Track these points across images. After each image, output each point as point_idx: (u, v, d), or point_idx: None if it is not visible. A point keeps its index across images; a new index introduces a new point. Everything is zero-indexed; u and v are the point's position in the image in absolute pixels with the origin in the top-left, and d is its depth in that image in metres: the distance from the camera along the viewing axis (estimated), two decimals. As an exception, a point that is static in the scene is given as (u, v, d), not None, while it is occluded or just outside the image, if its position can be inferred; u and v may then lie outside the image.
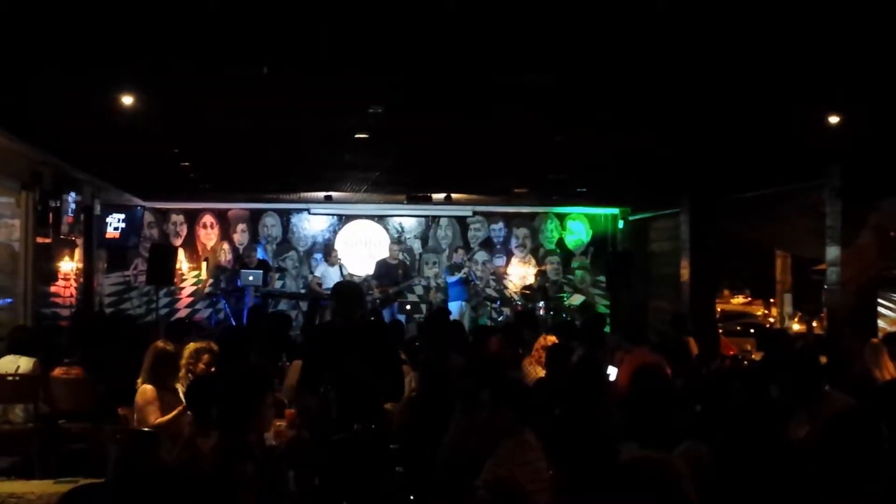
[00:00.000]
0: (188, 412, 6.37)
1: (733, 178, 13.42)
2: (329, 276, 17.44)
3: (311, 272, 18.41)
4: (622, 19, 5.92)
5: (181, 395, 7.01)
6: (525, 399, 5.15)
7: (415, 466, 5.52)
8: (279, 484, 4.57)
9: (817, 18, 5.88)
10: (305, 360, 7.45)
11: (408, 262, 18.75)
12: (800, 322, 17.64)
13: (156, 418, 6.76)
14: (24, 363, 8.89)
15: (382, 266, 17.72)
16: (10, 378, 8.79)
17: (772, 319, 19.62)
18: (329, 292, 17.05)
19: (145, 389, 6.94)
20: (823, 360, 7.49)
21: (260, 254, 18.36)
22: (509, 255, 19.73)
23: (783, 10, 5.72)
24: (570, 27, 6.13)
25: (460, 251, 18.43)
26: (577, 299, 18.71)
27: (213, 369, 7.37)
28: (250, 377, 5.87)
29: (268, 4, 5.65)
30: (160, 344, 7.35)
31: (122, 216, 16.51)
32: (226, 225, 19.00)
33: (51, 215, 12.63)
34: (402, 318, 16.36)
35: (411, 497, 4.77)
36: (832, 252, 11.43)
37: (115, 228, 16.36)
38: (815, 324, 16.41)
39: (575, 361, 7.59)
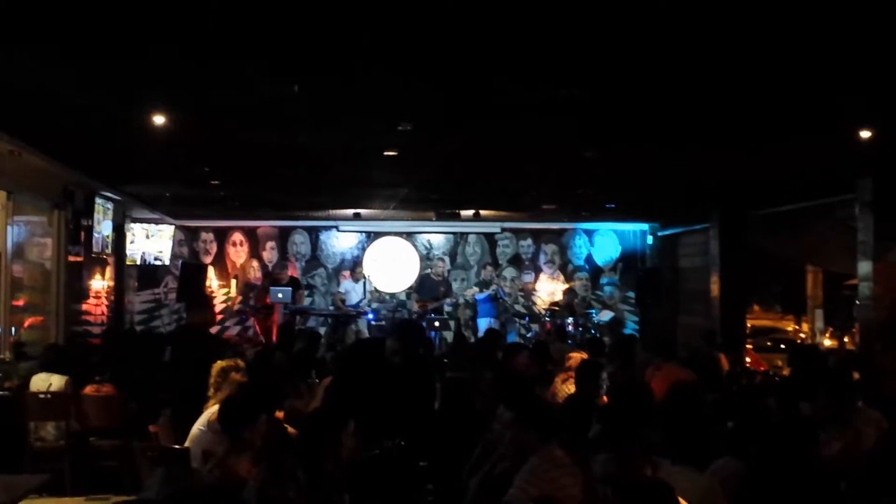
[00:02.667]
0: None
1: (764, 192, 13.34)
2: (353, 292, 17.50)
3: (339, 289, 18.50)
4: (654, 34, 5.91)
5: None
6: (549, 416, 5.14)
7: (443, 484, 5.51)
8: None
9: (850, 32, 5.85)
10: (343, 387, 7.25)
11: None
12: (831, 338, 17.52)
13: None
14: (55, 381, 8.97)
15: (426, 279, 17.78)
16: (42, 396, 8.86)
17: (803, 335, 19.48)
18: (352, 310, 17.23)
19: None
20: (856, 375, 7.43)
21: (293, 271, 18.43)
22: (538, 271, 19.69)
23: (816, 25, 5.69)
24: (602, 42, 6.12)
25: (489, 268, 18.41)
26: (605, 315, 18.65)
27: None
28: (253, 394, 5.89)
29: (298, 23, 5.68)
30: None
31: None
32: (255, 242, 19.10)
33: (82, 234, 12.73)
34: (431, 334, 16.35)
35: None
36: (864, 267, 11.33)
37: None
38: (846, 339, 16.28)
39: (607, 379, 7.56)
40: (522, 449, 4.84)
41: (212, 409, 6.38)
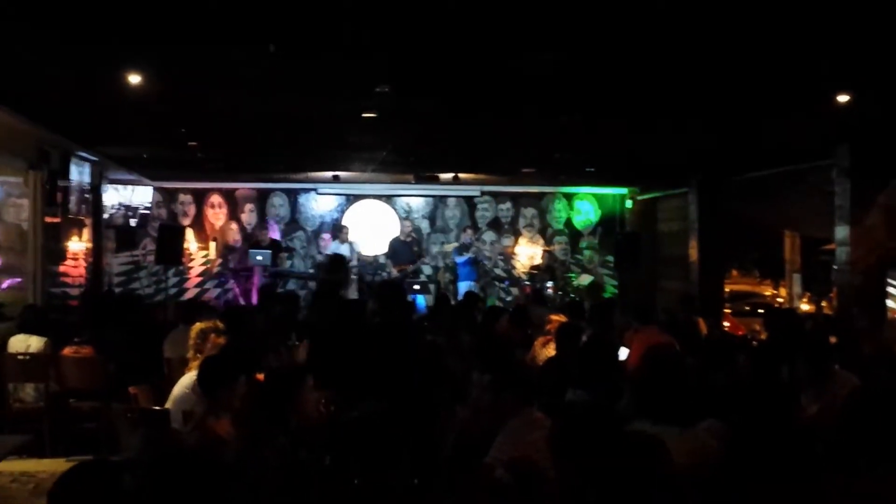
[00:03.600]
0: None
1: (742, 157, 13.38)
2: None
3: (320, 252, 18.45)
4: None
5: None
6: (528, 380, 5.16)
7: (419, 447, 5.53)
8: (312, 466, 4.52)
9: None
10: (323, 345, 7.28)
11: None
12: (809, 302, 17.62)
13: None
14: (34, 342, 8.95)
15: (397, 244, 17.73)
16: (21, 357, 8.84)
17: (780, 300, 19.59)
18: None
19: None
20: (833, 340, 7.50)
21: (274, 233, 18.38)
22: (517, 235, 19.73)
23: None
24: (581, 7, 6.10)
25: (469, 231, 18.43)
26: (585, 279, 18.72)
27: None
28: (232, 356, 5.89)
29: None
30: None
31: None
32: (234, 205, 19.03)
33: (59, 195, 12.64)
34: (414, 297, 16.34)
35: (418, 478, 4.77)
36: (841, 232, 11.40)
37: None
38: (823, 304, 16.39)
39: (584, 341, 7.58)
40: (501, 412, 4.85)
41: (193, 371, 6.37)
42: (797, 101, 9.15)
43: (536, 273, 17.91)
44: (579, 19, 6.37)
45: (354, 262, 17.53)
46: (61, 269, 13.61)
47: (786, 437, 3.63)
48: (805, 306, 17.30)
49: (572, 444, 3.61)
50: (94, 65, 7.91)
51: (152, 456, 3.48)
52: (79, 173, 13.47)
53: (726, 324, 14.89)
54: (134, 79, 8.19)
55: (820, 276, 16.76)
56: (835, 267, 11.92)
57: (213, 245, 18.82)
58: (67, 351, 9.09)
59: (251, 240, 18.18)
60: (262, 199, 19.08)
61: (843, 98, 8.78)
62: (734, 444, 3.84)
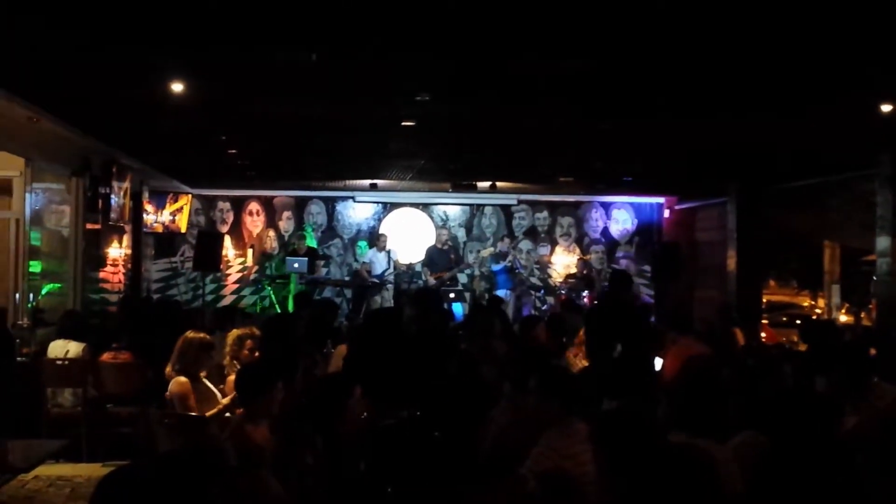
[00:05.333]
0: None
1: (782, 166, 13.27)
2: (378, 263, 17.48)
3: (356, 259, 18.50)
4: (673, 3, 5.86)
5: (209, 385, 7.02)
6: (573, 388, 5.10)
7: (456, 454, 5.51)
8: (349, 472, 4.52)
9: (872, 5, 5.79)
10: (361, 354, 7.23)
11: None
12: (847, 313, 17.45)
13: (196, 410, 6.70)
14: (73, 348, 9.03)
15: (434, 252, 17.73)
16: (60, 362, 8.92)
17: (819, 310, 19.42)
18: (376, 279, 17.21)
19: (180, 381, 6.79)
20: (872, 351, 7.40)
21: (311, 241, 18.44)
22: (554, 243, 19.66)
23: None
24: (615, 12, 6.08)
25: (506, 240, 18.38)
26: (621, 289, 18.58)
27: (256, 354, 7.40)
28: (270, 362, 5.90)
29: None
30: (191, 334, 7.17)
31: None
32: (271, 212, 19.12)
33: (100, 201, 12.76)
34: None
35: (455, 485, 4.75)
36: (883, 242, 11.28)
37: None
38: (863, 315, 16.22)
39: (620, 351, 7.53)
40: (543, 419, 4.80)
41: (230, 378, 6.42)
42: (840, 110, 9.07)
43: (573, 282, 17.82)
44: (619, 24, 6.35)
45: (391, 270, 17.56)
46: (101, 275, 13.75)
47: (825, 450, 3.57)
48: (844, 317, 17.12)
49: (618, 455, 3.57)
50: (138, 73, 7.98)
51: (186, 455, 3.48)
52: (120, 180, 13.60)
53: (763, 335, 14.77)
54: (176, 86, 8.27)
55: (860, 287, 16.61)
56: (875, 278, 11.79)
57: (250, 252, 18.92)
58: (106, 356, 9.15)
59: (288, 247, 18.24)
60: (299, 206, 19.16)
61: (886, 107, 8.70)
62: (772, 456, 3.79)
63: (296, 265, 16.69)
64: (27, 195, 10.89)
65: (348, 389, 5.12)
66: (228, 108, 9.64)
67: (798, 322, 16.58)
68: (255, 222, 19.08)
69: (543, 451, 4.58)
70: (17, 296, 10.86)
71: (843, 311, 17.94)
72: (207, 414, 6.65)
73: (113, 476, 2.88)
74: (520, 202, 19.49)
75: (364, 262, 17.73)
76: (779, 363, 6.97)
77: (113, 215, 13.35)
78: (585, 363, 8.02)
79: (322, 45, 6.88)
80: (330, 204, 19.20)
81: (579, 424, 4.70)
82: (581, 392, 5.19)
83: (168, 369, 7.08)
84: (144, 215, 16.54)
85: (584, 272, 17.77)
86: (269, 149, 13.01)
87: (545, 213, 19.65)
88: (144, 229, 16.64)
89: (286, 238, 18.93)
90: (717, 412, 4.44)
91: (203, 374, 7.05)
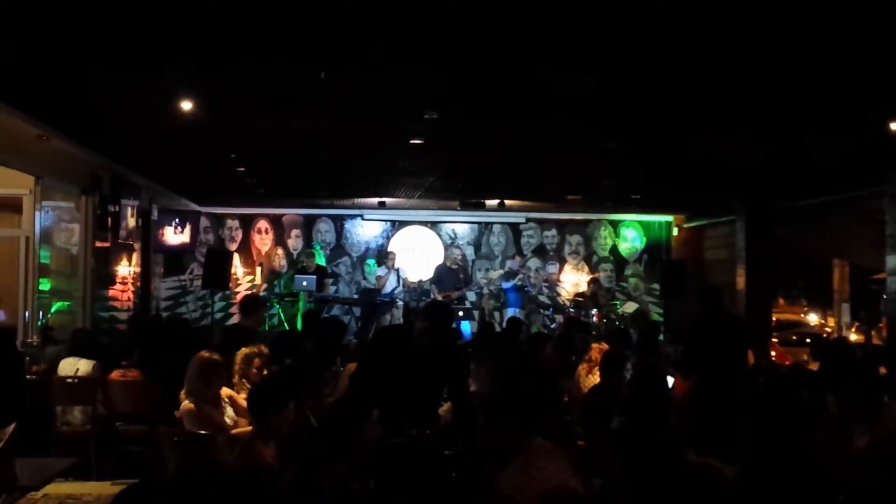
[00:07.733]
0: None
1: (791, 185, 13.25)
2: (387, 281, 17.47)
3: (365, 277, 18.51)
4: (681, 22, 5.88)
5: (223, 403, 7.00)
6: (526, 405, 4.91)
7: (468, 472, 5.48)
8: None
9: (881, 24, 5.80)
10: (371, 371, 7.18)
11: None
12: (857, 332, 17.36)
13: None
14: (83, 365, 9.02)
15: (442, 271, 17.74)
16: (70, 380, 8.92)
17: (828, 329, 19.34)
18: (385, 298, 17.20)
19: (188, 408, 6.72)
20: (883, 370, 7.37)
21: (320, 259, 18.45)
22: (562, 262, 19.66)
23: (846, 16, 5.65)
24: (622, 30, 6.10)
25: (517, 258, 18.38)
26: (630, 307, 18.57)
27: (265, 372, 7.39)
28: (281, 381, 5.88)
29: (325, 8, 5.68)
30: (205, 354, 7.07)
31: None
32: (280, 230, 19.16)
33: (109, 220, 12.79)
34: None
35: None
36: (892, 261, 11.25)
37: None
38: (873, 334, 16.15)
39: (632, 369, 7.52)
40: (502, 453, 4.60)
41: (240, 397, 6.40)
42: (848, 128, 9.06)
43: (581, 300, 17.79)
44: (627, 42, 6.36)
45: (400, 288, 17.56)
46: (110, 293, 13.76)
47: (833, 467, 3.56)
48: (853, 336, 17.05)
49: (636, 471, 3.54)
50: (145, 91, 8.02)
51: (195, 476, 3.47)
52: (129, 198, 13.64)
53: (773, 353, 14.70)
54: (185, 105, 8.30)
55: (869, 305, 16.53)
56: (885, 297, 11.75)
57: (259, 270, 18.95)
58: (115, 374, 9.14)
59: (297, 265, 18.26)
60: (308, 224, 19.20)
61: (894, 126, 8.69)
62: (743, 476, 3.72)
63: (304, 283, 16.70)
64: (37, 213, 10.91)
65: (362, 412, 5.09)
66: (237, 126, 9.68)
67: (808, 340, 16.48)
68: (263, 240, 19.12)
69: (518, 477, 4.38)
70: (27, 314, 10.86)
71: (853, 329, 17.84)
72: (233, 432, 6.65)
73: (124, 494, 2.88)
74: (528, 220, 19.51)
75: (379, 276, 17.71)
76: (799, 387, 6.90)
77: (122, 233, 13.38)
78: (597, 380, 7.99)
79: (331, 63, 6.90)
80: (338, 222, 19.24)
81: (537, 440, 4.55)
82: (583, 410, 5.13)
83: (182, 395, 7.01)
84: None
85: (595, 291, 17.73)
86: (277, 167, 13.05)
87: (553, 231, 19.65)
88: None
89: (295, 256, 18.97)
90: (728, 431, 4.42)
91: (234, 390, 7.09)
